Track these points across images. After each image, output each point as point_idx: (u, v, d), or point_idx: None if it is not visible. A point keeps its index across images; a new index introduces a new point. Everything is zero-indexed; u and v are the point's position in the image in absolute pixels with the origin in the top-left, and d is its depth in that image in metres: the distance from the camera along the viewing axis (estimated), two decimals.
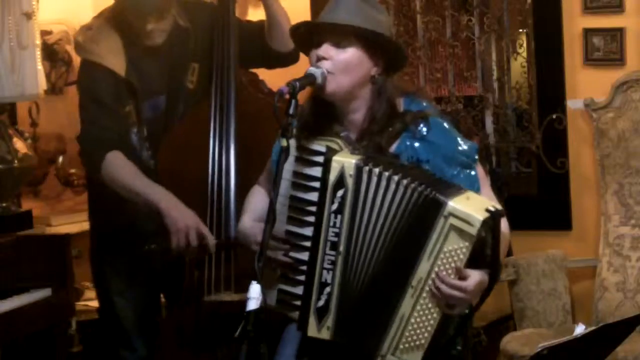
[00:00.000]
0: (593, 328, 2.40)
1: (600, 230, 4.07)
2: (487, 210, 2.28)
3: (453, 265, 2.29)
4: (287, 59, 3.35)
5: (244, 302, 2.15)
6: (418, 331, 2.34)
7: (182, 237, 3.02)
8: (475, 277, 2.32)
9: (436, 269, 2.30)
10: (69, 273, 3.41)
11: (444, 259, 2.30)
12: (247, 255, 2.22)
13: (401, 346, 2.34)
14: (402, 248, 2.34)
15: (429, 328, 2.33)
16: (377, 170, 2.34)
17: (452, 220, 2.27)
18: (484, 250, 2.33)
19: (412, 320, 2.33)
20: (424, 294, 2.32)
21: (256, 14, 3.79)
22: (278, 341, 2.56)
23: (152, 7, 3.18)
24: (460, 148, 2.47)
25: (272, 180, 2.32)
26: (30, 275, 3.33)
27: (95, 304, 3.96)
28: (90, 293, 4.17)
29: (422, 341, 2.33)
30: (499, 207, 2.33)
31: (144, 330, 3.35)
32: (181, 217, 3.04)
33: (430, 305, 2.32)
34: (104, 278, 3.42)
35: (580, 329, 2.38)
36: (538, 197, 4.31)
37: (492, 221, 2.28)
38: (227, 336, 2.11)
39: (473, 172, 2.47)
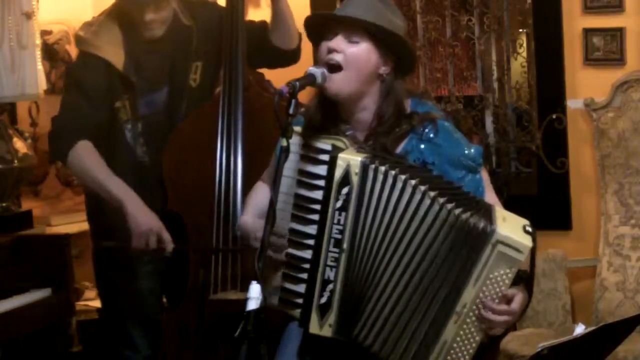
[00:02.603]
0: (593, 328, 2.40)
1: (600, 230, 4.07)
2: (528, 232, 2.30)
3: (497, 290, 2.29)
4: (290, 58, 3.35)
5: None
6: (460, 354, 2.33)
7: (143, 241, 3.06)
8: (519, 297, 2.33)
9: (481, 294, 2.29)
10: (69, 273, 3.41)
11: (489, 285, 2.29)
12: (253, 254, 2.21)
13: None
14: (441, 272, 2.31)
15: (470, 351, 2.33)
16: (383, 168, 2.32)
17: (500, 248, 2.26)
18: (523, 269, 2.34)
19: (455, 345, 2.32)
20: (468, 320, 2.31)
21: (256, 14, 3.79)
22: (278, 341, 2.56)
23: None
24: (466, 152, 2.47)
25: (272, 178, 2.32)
26: (30, 275, 3.34)
27: (95, 304, 3.97)
28: (90, 293, 4.17)
29: None
30: (528, 222, 2.34)
31: (147, 329, 3.35)
32: (144, 219, 3.07)
33: (473, 329, 2.32)
34: (106, 277, 3.42)
35: (580, 329, 2.38)
36: (538, 197, 4.31)
37: (534, 243, 2.30)
38: (231, 334, 2.10)
39: (478, 176, 2.48)
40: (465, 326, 2.31)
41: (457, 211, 2.28)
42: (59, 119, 3.26)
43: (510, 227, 2.30)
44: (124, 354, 3.37)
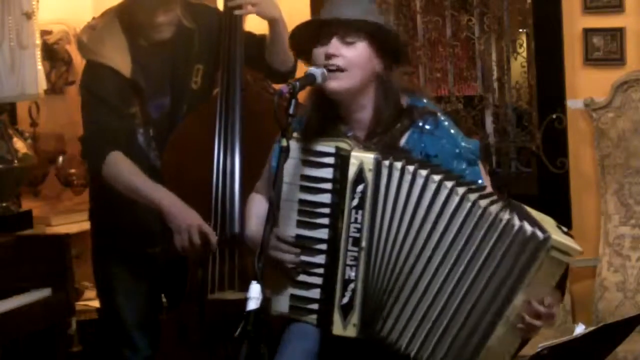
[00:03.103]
0: (593, 328, 2.40)
1: (600, 230, 4.07)
2: (565, 233, 2.29)
3: (543, 293, 2.26)
4: (285, 77, 3.34)
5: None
6: (500, 357, 2.31)
7: (185, 237, 3.03)
8: (557, 299, 2.31)
9: (529, 299, 2.26)
10: (69, 273, 3.40)
11: (537, 289, 2.26)
12: (252, 254, 2.21)
13: None
14: (484, 275, 2.27)
15: (511, 351, 2.32)
16: (399, 164, 2.31)
17: (553, 253, 2.23)
18: None
19: (498, 348, 2.30)
20: (514, 324, 2.28)
21: (256, 16, 3.78)
22: (278, 341, 2.55)
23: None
24: (466, 145, 2.48)
25: (272, 181, 2.29)
26: (30, 275, 3.33)
27: (95, 304, 3.96)
28: (90, 293, 4.17)
29: None
30: (555, 221, 2.35)
31: (146, 329, 3.35)
32: (183, 216, 3.04)
33: (516, 333, 2.29)
34: (106, 277, 3.42)
35: (580, 329, 2.38)
36: (538, 197, 4.31)
37: None
38: (230, 334, 2.10)
39: (477, 168, 2.49)
40: (510, 330, 2.28)
41: (493, 209, 2.26)
42: (85, 136, 3.25)
43: (552, 229, 2.27)
44: (123, 353, 3.37)
